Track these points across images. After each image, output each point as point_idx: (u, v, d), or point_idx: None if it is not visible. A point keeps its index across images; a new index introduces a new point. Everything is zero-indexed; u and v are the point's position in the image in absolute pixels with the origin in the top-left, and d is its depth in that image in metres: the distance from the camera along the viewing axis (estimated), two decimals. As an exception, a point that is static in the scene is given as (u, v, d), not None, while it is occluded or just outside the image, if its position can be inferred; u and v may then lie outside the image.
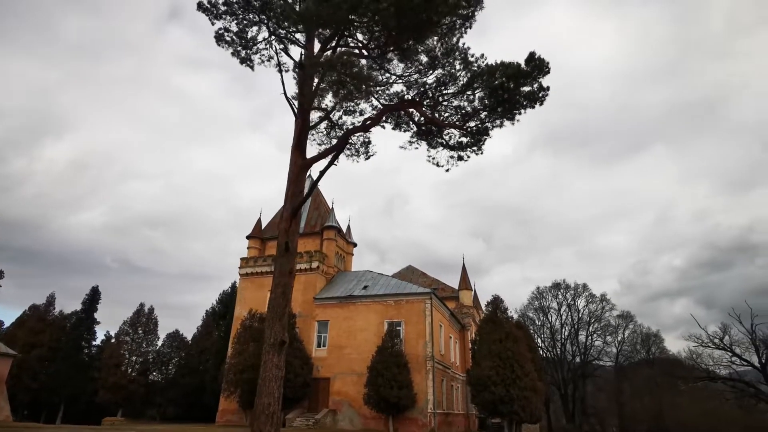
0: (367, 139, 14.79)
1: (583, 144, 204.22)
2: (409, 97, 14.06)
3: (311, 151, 15.27)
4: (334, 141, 15.33)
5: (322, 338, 37.46)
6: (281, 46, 14.59)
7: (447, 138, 14.21)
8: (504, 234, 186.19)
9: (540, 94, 11.78)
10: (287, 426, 32.77)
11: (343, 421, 33.96)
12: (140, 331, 43.29)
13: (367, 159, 15.70)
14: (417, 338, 34.52)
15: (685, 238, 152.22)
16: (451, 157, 14.81)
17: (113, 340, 43.64)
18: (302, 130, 14.21)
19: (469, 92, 13.22)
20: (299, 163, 14.27)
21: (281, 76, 14.46)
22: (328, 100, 14.77)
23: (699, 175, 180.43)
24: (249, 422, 34.75)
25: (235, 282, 60.29)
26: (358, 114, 15.07)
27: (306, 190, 14.80)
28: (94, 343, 46.00)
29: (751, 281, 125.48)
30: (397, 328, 34.89)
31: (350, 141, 14.74)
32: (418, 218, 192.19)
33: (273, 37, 14.22)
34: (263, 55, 14.94)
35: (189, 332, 55.95)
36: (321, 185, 48.99)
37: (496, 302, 35.32)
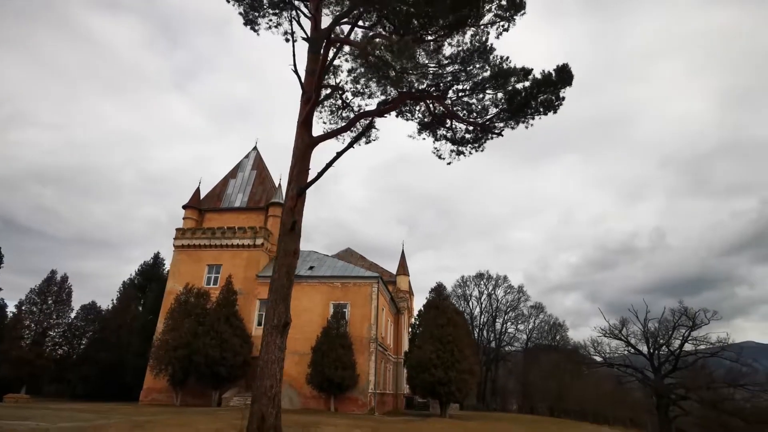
0: (372, 123, 14.65)
1: (505, 145, 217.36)
2: (422, 87, 14.19)
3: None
4: (340, 121, 15.02)
5: (264, 317, 36.53)
6: (294, 14, 13.94)
7: (454, 132, 14.61)
8: (426, 222, 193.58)
9: (556, 103, 12.57)
10: (223, 405, 31.82)
11: (282, 400, 33.53)
12: (50, 302, 38.63)
13: (367, 143, 15.61)
14: (362, 321, 35.12)
15: (582, 239, 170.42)
16: (452, 151, 15.29)
17: (8, 309, 38.34)
18: (312, 107, 13.75)
19: (483, 91, 13.69)
20: (306, 141, 13.82)
21: (293, 47, 13.81)
22: (341, 78, 14.43)
23: (600, 185, 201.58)
24: (180, 401, 33.13)
25: (158, 253, 56.43)
26: (366, 96, 14.90)
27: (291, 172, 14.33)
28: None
29: (630, 281, 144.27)
30: (343, 310, 35.16)
31: (357, 123, 14.56)
32: (348, 200, 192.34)
33: (287, 5, 13.54)
34: (271, 20, 14.18)
35: (80, 301, 50.54)
36: (265, 158, 47.04)
37: (439, 289, 36.98)
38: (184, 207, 41.98)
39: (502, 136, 13.28)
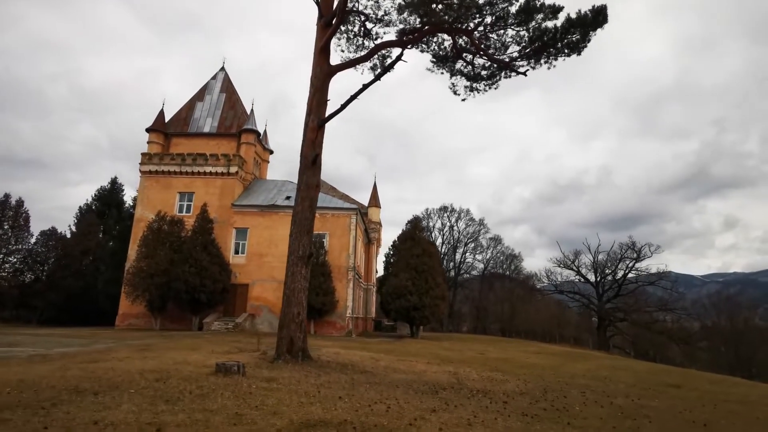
0: (401, 54, 14.03)
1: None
2: (446, 18, 13.72)
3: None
4: (357, 50, 14.37)
5: (241, 245, 36.58)
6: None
7: (473, 67, 14.45)
8: (386, 154, 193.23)
9: (581, 45, 12.64)
10: (205, 329, 32.55)
11: (261, 324, 34.87)
12: (6, 227, 36.19)
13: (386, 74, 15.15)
14: (340, 250, 35.97)
15: (536, 175, 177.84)
16: (465, 87, 15.22)
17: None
18: (332, 33, 13.06)
19: (506, 27, 13.47)
20: (325, 70, 13.28)
21: (312, -38, 12.77)
22: (362, 3, 13.64)
23: (558, 122, 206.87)
24: (159, 326, 33.45)
25: (115, 178, 53.66)
26: (384, 24, 14.24)
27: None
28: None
29: (574, 215, 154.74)
30: (322, 240, 35.72)
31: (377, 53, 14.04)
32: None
33: None
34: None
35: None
36: (235, 81, 44.11)
37: (416, 222, 38.33)
38: (148, 130, 39.39)
39: (526, 75, 13.35)
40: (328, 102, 13.42)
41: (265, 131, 44.61)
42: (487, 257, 75.96)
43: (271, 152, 45.69)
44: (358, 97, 12.37)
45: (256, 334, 19.60)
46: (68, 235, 42.50)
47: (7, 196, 36.70)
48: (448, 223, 76.92)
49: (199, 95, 42.60)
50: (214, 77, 43.76)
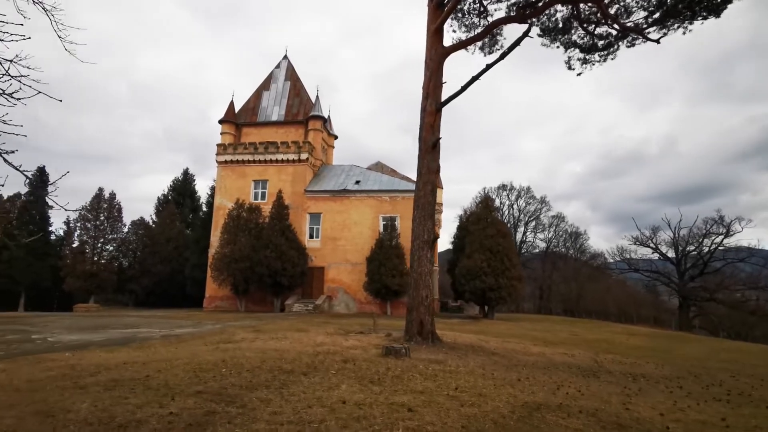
0: (528, 30, 13.40)
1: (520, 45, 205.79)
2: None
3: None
4: (468, 30, 14.02)
5: (315, 230, 37.62)
6: None
7: (592, 36, 13.73)
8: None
9: (721, 8, 11.65)
10: (287, 311, 34.01)
11: (338, 306, 35.97)
12: (102, 218, 39.41)
13: (495, 54, 14.73)
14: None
15: (588, 148, 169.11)
16: (579, 59, 14.52)
17: (71, 225, 39.67)
18: (448, 13, 12.77)
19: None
20: (440, 51, 13.06)
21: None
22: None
23: (612, 91, 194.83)
24: (244, 308, 35.32)
25: (187, 169, 56.58)
26: (495, 1, 13.78)
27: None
28: (50, 229, 41.11)
29: (633, 188, 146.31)
30: (394, 222, 36.08)
31: (492, 32, 13.63)
32: (348, 109, 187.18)
33: None
34: None
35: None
36: (297, 67, 44.72)
37: (487, 202, 37.64)
38: (220, 122, 40.99)
39: (659, 43, 12.49)
40: (444, 84, 13.23)
41: (329, 116, 45.14)
42: (549, 236, 73.88)
43: (336, 137, 46.26)
44: (480, 78, 12.09)
45: (371, 316, 20.12)
46: (151, 225, 45.49)
47: (101, 189, 39.83)
48: (507, 202, 75.22)
49: (265, 85, 43.62)
50: (278, 66, 44.57)
